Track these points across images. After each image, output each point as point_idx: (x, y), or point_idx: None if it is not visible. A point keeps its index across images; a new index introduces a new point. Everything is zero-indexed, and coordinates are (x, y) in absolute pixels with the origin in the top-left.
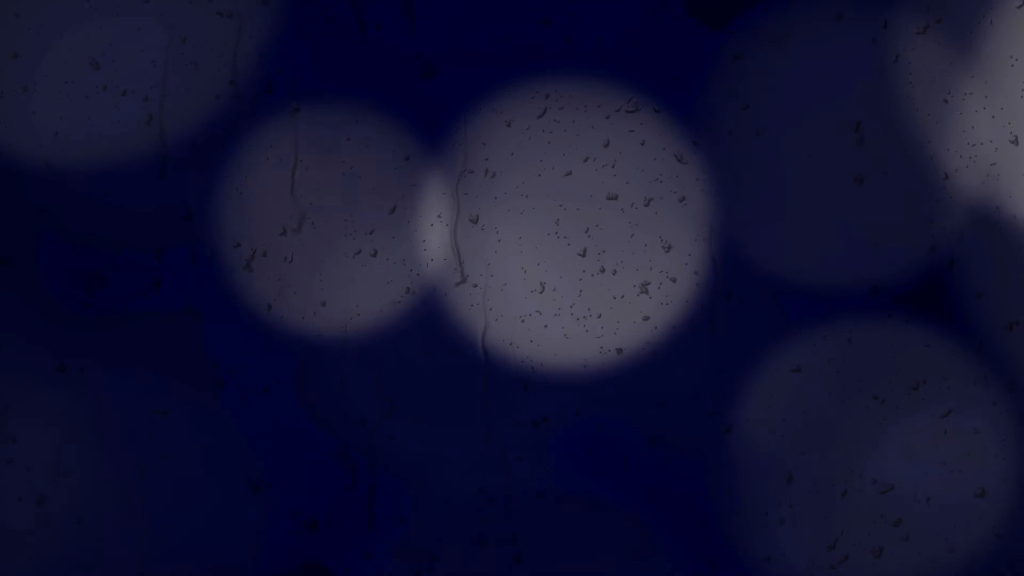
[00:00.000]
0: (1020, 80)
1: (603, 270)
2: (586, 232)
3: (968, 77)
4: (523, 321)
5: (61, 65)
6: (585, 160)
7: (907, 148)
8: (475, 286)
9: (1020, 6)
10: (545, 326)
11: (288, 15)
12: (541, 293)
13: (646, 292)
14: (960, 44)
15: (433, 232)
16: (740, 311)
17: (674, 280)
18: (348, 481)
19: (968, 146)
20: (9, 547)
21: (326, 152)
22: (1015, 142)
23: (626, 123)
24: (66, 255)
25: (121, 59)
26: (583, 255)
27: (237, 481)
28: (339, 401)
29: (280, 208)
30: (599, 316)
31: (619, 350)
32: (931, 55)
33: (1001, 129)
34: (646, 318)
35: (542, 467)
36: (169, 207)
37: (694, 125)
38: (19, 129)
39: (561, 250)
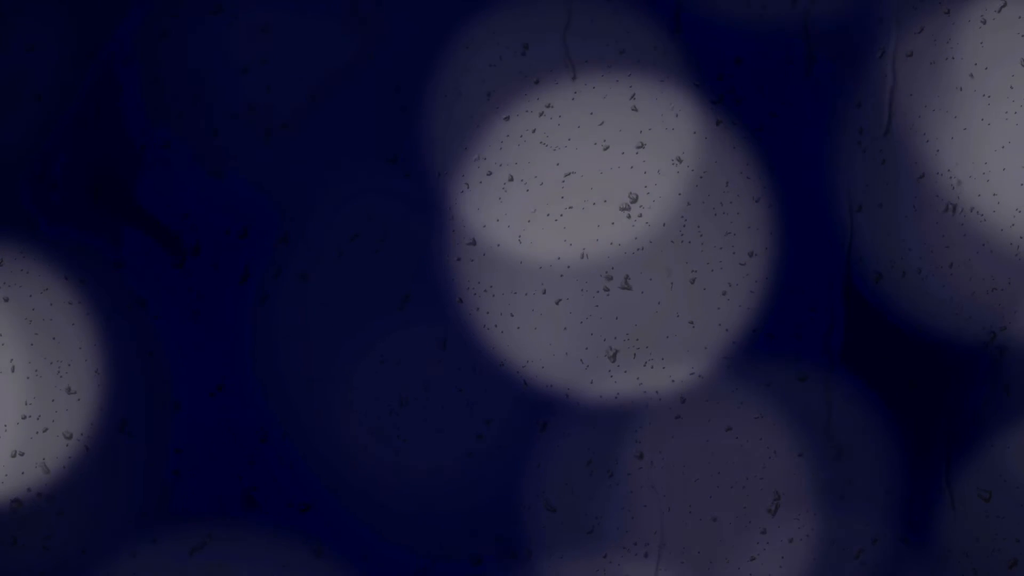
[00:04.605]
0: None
1: (611, 278)
2: (591, 238)
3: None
4: (520, 327)
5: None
6: (588, 163)
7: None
8: (477, 308)
9: (1001, 8)
10: (548, 330)
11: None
12: (553, 303)
13: (631, 288)
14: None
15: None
16: (741, 312)
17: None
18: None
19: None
20: None
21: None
22: None
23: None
24: None
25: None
26: (587, 262)
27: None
28: (344, 403)
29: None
30: (602, 319)
31: (618, 353)
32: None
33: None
34: (647, 320)
35: (543, 472)
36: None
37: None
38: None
39: (565, 256)
